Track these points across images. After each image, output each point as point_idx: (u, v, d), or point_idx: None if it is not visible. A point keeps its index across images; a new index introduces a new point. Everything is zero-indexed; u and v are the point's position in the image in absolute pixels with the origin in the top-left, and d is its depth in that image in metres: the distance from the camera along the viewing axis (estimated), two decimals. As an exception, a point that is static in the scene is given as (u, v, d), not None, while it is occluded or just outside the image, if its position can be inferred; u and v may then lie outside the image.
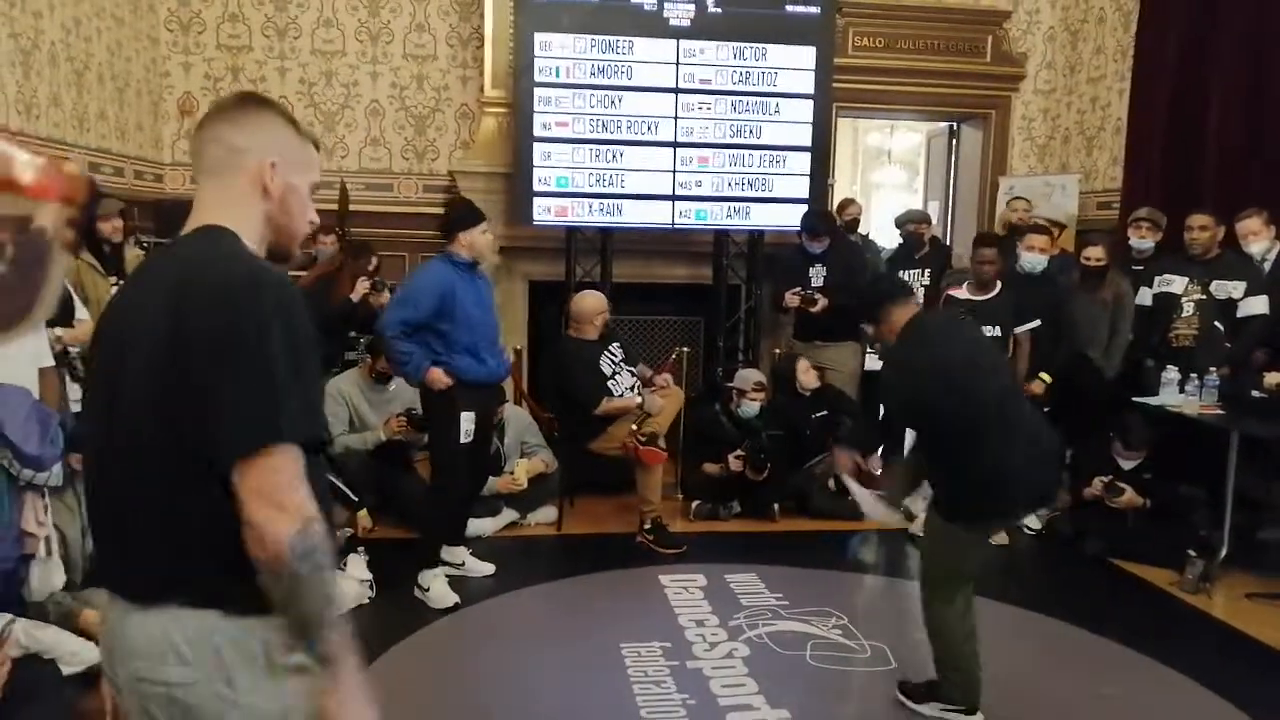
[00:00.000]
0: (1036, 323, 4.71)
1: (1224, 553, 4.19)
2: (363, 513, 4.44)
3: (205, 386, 1.15)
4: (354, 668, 1.23)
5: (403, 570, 3.84)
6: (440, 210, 5.93)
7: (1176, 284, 4.72)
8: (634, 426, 4.48)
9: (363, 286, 4.80)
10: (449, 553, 4.00)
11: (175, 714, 1.22)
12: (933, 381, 2.78)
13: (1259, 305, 4.50)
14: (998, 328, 4.55)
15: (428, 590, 3.78)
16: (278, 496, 1.15)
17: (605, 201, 5.62)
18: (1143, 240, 5.06)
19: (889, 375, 3.06)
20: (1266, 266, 4.58)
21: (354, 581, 3.70)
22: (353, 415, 4.63)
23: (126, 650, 1.24)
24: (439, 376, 3.74)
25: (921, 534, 3.14)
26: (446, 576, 3.89)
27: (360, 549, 3.95)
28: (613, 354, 4.69)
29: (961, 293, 4.73)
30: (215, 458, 1.15)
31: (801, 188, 5.81)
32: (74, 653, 2.68)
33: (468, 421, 3.80)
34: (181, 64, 5.94)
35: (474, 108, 6.15)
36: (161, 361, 1.17)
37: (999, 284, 4.67)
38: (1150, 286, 4.84)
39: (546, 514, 4.80)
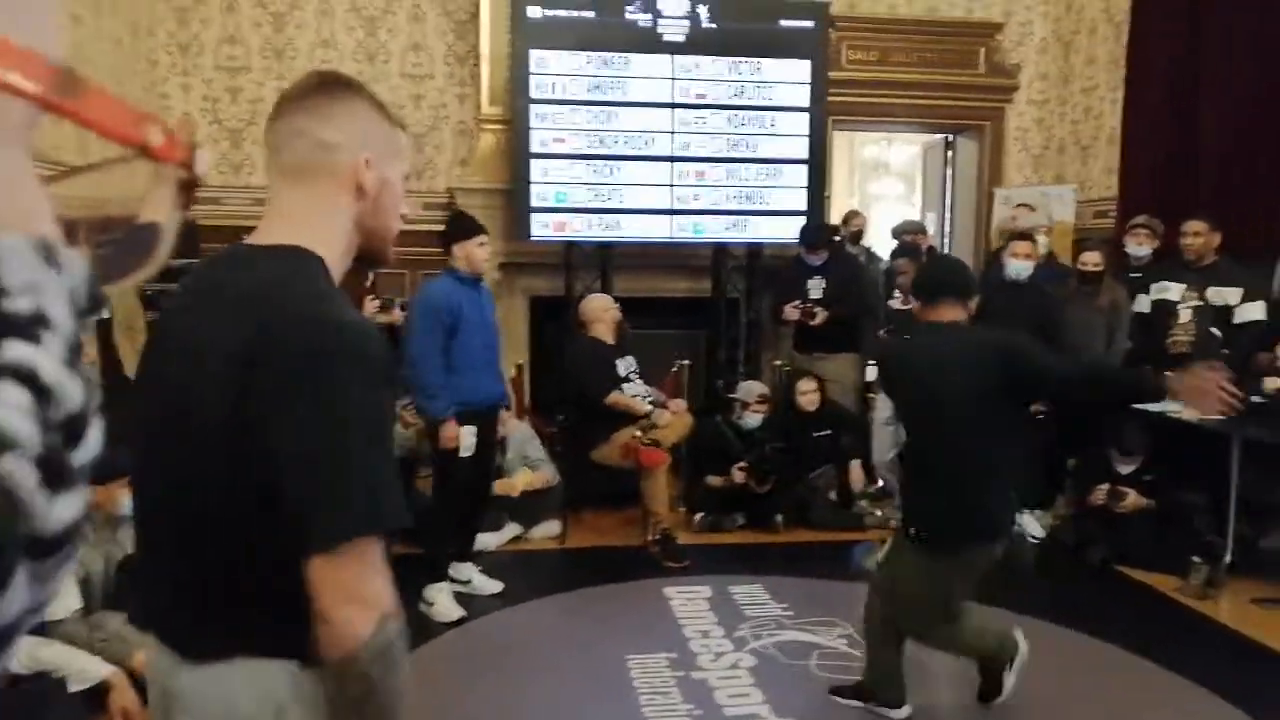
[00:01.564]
0: None
1: (1228, 558, 4.19)
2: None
3: (283, 453, 1.00)
4: None
5: (408, 586, 3.82)
6: (439, 227, 5.98)
7: (1173, 291, 4.74)
8: (638, 432, 4.50)
9: (371, 305, 4.82)
10: (456, 569, 4.00)
11: None
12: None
13: (1256, 311, 4.52)
14: None
15: (433, 605, 3.77)
16: (358, 589, 1.01)
17: (603, 216, 5.65)
18: (1140, 248, 5.09)
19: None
20: None
21: None
22: None
23: (179, 705, 1.12)
24: (452, 435, 3.74)
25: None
26: (454, 593, 3.88)
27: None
28: (629, 361, 4.73)
29: (896, 302, 4.80)
30: (295, 538, 1.01)
31: (799, 200, 5.84)
32: (82, 669, 2.68)
33: (469, 435, 3.81)
34: (180, 85, 5.98)
35: (472, 125, 6.19)
36: (233, 402, 1.02)
37: None
38: (1148, 294, 4.87)
39: (550, 528, 4.80)
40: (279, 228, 1.14)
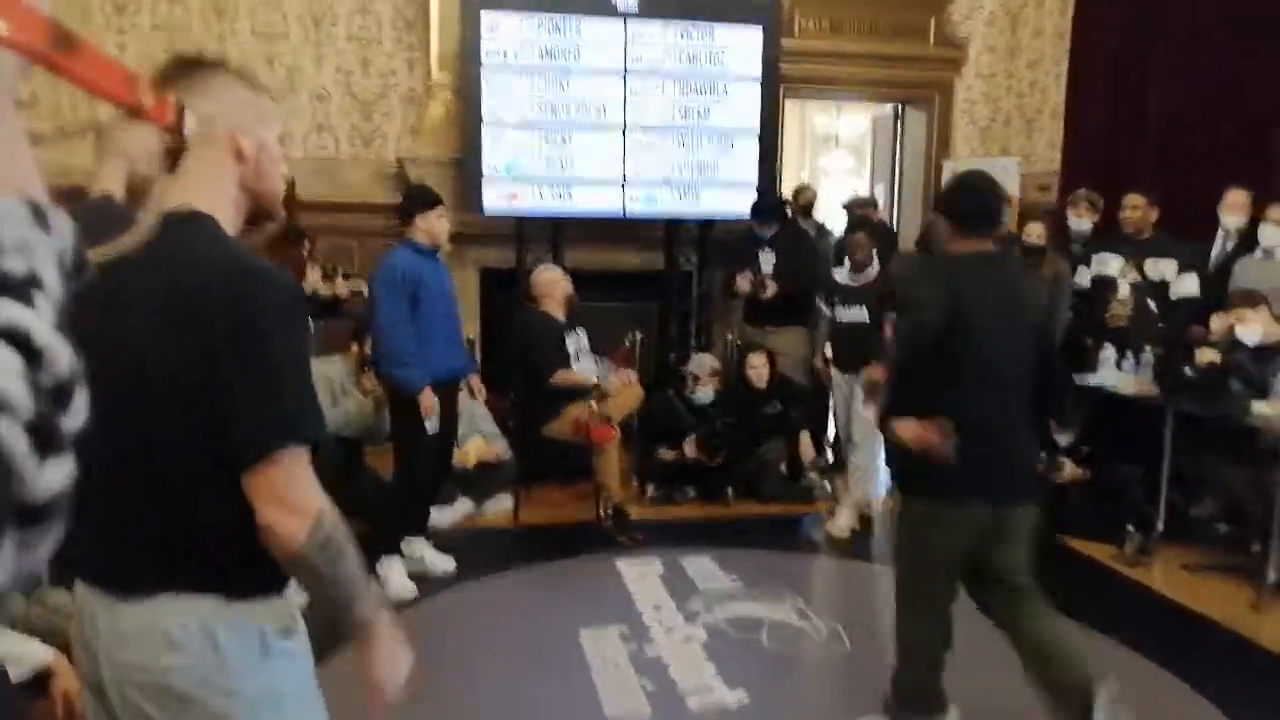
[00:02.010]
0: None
1: (1160, 527, 4.35)
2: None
3: (215, 389, 1.16)
4: (389, 626, 1.30)
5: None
6: (389, 199, 5.89)
7: (1113, 265, 4.86)
8: (591, 404, 4.51)
9: (314, 274, 4.73)
10: (408, 545, 3.98)
11: (169, 703, 1.22)
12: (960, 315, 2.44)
13: (1191, 285, 4.66)
14: (864, 309, 4.63)
15: (385, 582, 3.76)
16: (289, 498, 1.18)
17: (556, 188, 5.59)
18: (1081, 220, 5.19)
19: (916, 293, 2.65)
20: (1231, 243, 4.72)
21: None
22: (333, 397, 4.53)
23: (116, 643, 1.23)
24: (430, 404, 3.72)
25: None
26: (406, 570, 3.87)
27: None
28: (578, 337, 4.72)
29: (841, 274, 4.82)
30: (229, 460, 1.17)
31: (750, 172, 5.84)
32: (20, 656, 2.62)
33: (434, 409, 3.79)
34: (116, 44, 5.75)
35: (421, 92, 6.06)
36: (175, 363, 1.17)
37: (875, 267, 4.73)
38: (1089, 266, 4.98)
39: (502, 504, 4.80)
40: (173, 197, 1.25)
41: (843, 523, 4.63)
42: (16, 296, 0.27)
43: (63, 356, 0.29)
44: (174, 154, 1.07)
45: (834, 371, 4.86)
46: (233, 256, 1.23)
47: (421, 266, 3.77)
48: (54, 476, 0.28)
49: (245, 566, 1.22)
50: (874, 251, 4.77)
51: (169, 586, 1.21)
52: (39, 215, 0.30)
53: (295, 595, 1.34)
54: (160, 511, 1.21)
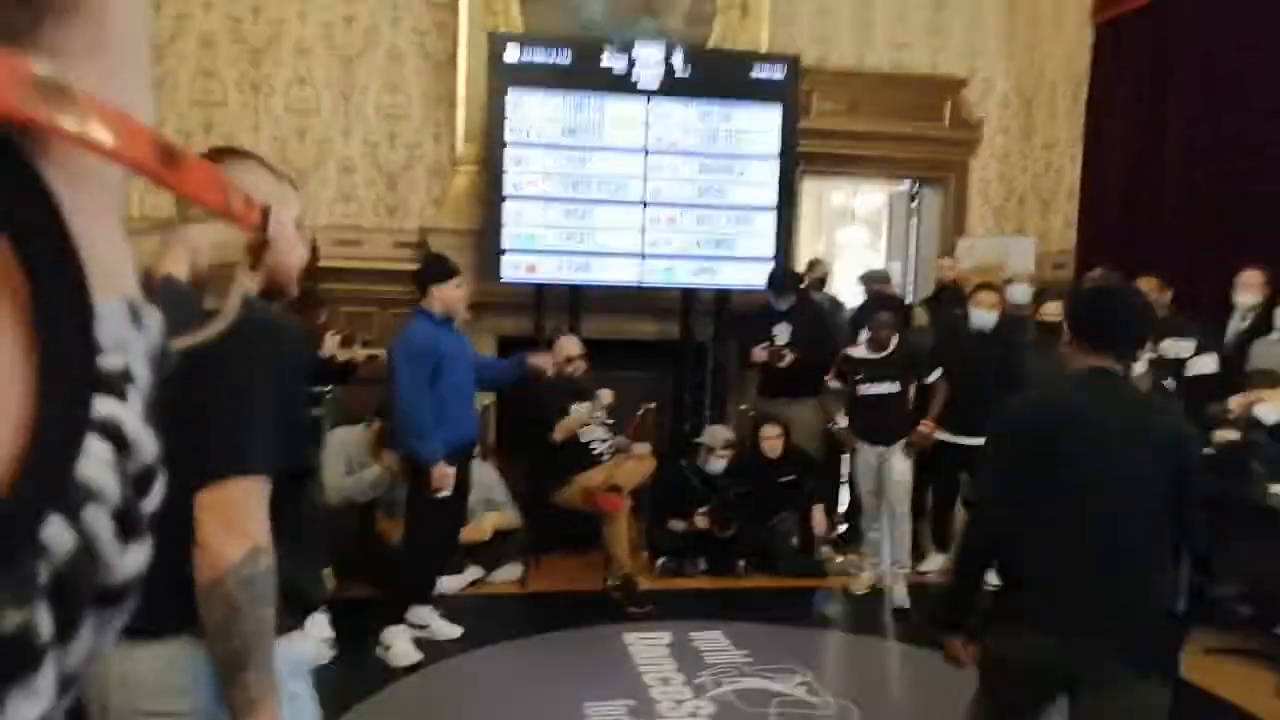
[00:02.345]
0: (939, 371, 4.82)
1: (1181, 608, 4.24)
2: (327, 571, 4.39)
3: (189, 416, 1.19)
4: (276, 714, 1.22)
5: (366, 630, 3.80)
6: (410, 266, 6.01)
7: (1129, 344, 4.85)
8: (599, 475, 4.52)
9: (332, 341, 4.80)
10: (415, 613, 3.97)
11: None
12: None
13: (1209, 364, 4.64)
14: (897, 383, 4.74)
15: (390, 648, 3.74)
16: (233, 521, 1.18)
17: (574, 258, 5.69)
18: (1097, 300, 5.20)
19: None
20: (1246, 322, 4.73)
21: (315, 640, 3.65)
22: (350, 465, 4.56)
23: (129, 684, 1.23)
24: (445, 476, 3.75)
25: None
26: (411, 638, 3.85)
27: (323, 607, 3.90)
28: (588, 407, 4.76)
29: (859, 351, 4.86)
30: (187, 486, 1.19)
31: (767, 246, 5.92)
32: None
33: (449, 477, 3.80)
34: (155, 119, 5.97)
35: (446, 165, 6.23)
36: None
37: (894, 343, 4.79)
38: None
39: (511, 571, 4.78)
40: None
41: (863, 579, 4.74)
42: (112, 392, 0.29)
43: (148, 446, 0.31)
44: (258, 250, 1.12)
45: (858, 441, 4.84)
46: (256, 313, 1.28)
47: (439, 336, 3.83)
48: (134, 560, 0.30)
49: None
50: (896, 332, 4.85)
51: (183, 630, 1.22)
52: (135, 313, 0.32)
53: (311, 635, 1.35)
54: (170, 551, 1.21)
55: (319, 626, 3.78)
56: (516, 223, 5.61)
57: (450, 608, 4.19)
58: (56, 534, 0.26)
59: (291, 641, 1.35)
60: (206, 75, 6.03)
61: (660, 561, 4.96)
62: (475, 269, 5.74)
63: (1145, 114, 5.65)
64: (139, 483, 0.30)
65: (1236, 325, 4.81)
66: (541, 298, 5.77)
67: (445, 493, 3.79)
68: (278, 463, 1.25)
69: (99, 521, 0.28)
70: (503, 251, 5.57)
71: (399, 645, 3.75)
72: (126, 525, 0.29)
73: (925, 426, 4.76)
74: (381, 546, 4.41)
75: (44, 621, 0.26)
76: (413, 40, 6.20)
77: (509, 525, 4.83)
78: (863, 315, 5.89)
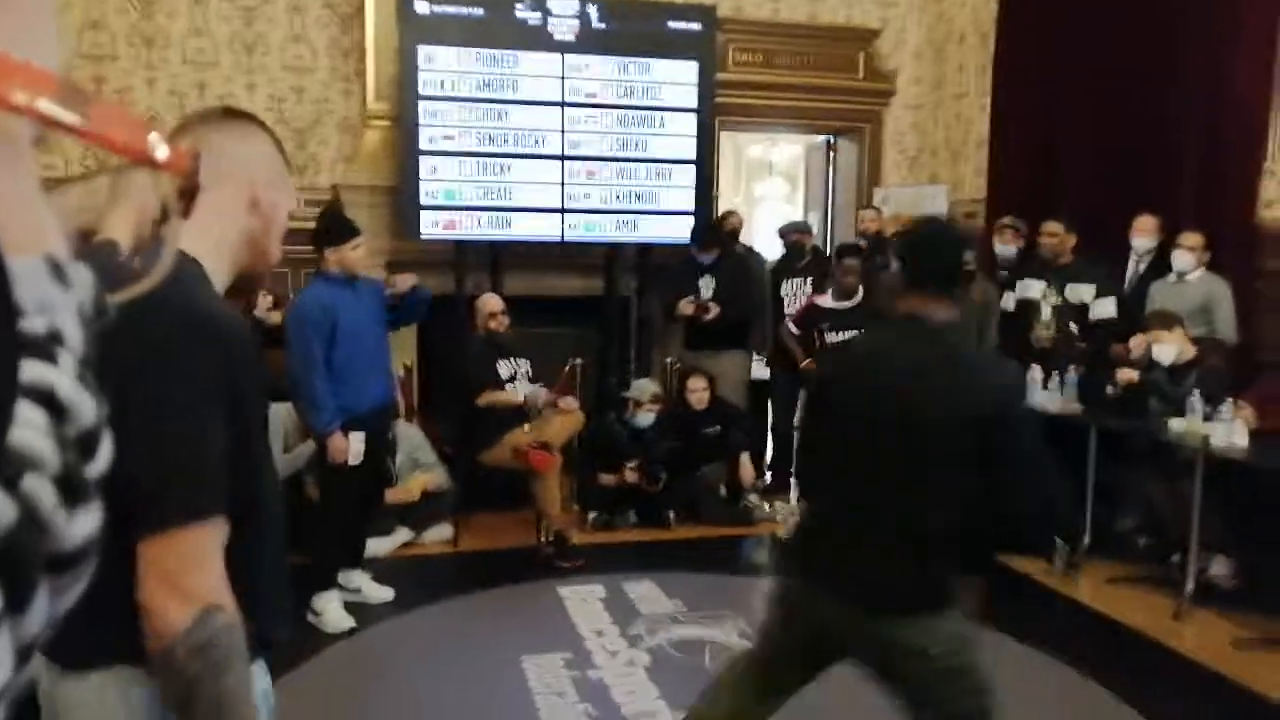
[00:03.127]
0: None
1: (1087, 541, 4.49)
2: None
3: (128, 444, 1.02)
4: None
5: (296, 596, 3.74)
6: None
7: (1035, 289, 5.05)
8: (526, 428, 4.51)
9: (265, 302, 4.66)
10: (345, 577, 3.92)
11: None
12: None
13: (1109, 307, 4.86)
14: (857, 331, 4.78)
15: (321, 615, 3.70)
16: (179, 579, 1.00)
17: (494, 214, 5.61)
18: (1006, 247, 5.38)
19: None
20: (1143, 265, 4.93)
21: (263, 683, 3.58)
22: (286, 441, 4.43)
23: (62, 714, 1.13)
24: (340, 447, 3.65)
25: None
26: (343, 602, 3.81)
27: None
28: (516, 364, 4.72)
29: (825, 300, 4.94)
30: (122, 527, 0.98)
31: (688, 200, 5.93)
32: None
33: (357, 441, 3.72)
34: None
35: (357, 121, 6.04)
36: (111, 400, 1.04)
37: (861, 292, 4.87)
38: (1014, 291, 5.16)
39: (442, 532, 4.76)
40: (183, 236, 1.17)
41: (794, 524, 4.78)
42: (40, 355, 0.28)
43: (86, 407, 0.30)
44: (188, 195, 0.96)
45: None
46: (184, 300, 1.07)
47: (335, 298, 3.69)
48: (83, 525, 0.30)
49: None
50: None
51: (115, 659, 1.09)
52: (58, 271, 0.31)
53: (259, 673, 1.20)
54: (102, 576, 1.05)
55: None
56: (433, 178, 5.49)
57: (381, 570, 4.16)
58: None
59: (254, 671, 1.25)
60: (94, 28, 5.69)
61: (591, 516, 5.00)
62: (392, 226, 5.62)
63: (1048, 66, 5.81)
64: (82, 446, 0.29)
65: (1134, 268, 5.03)
66: (462, 255, 5.69)
67: (353, 461, 3.71)
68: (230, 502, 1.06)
69: (40, 489, 0.27)
70: (422, 208, 5.45)
71: (331, 611, 3.71)
72: (71, 491, 0.29)
73: None
74: (310, 513, 4.32)
75: None
76: (316, -11, 5.95)
77: (437, 486, 4.79)
78: (783, 267, 5.98)
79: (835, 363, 2.10)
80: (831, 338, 4.83)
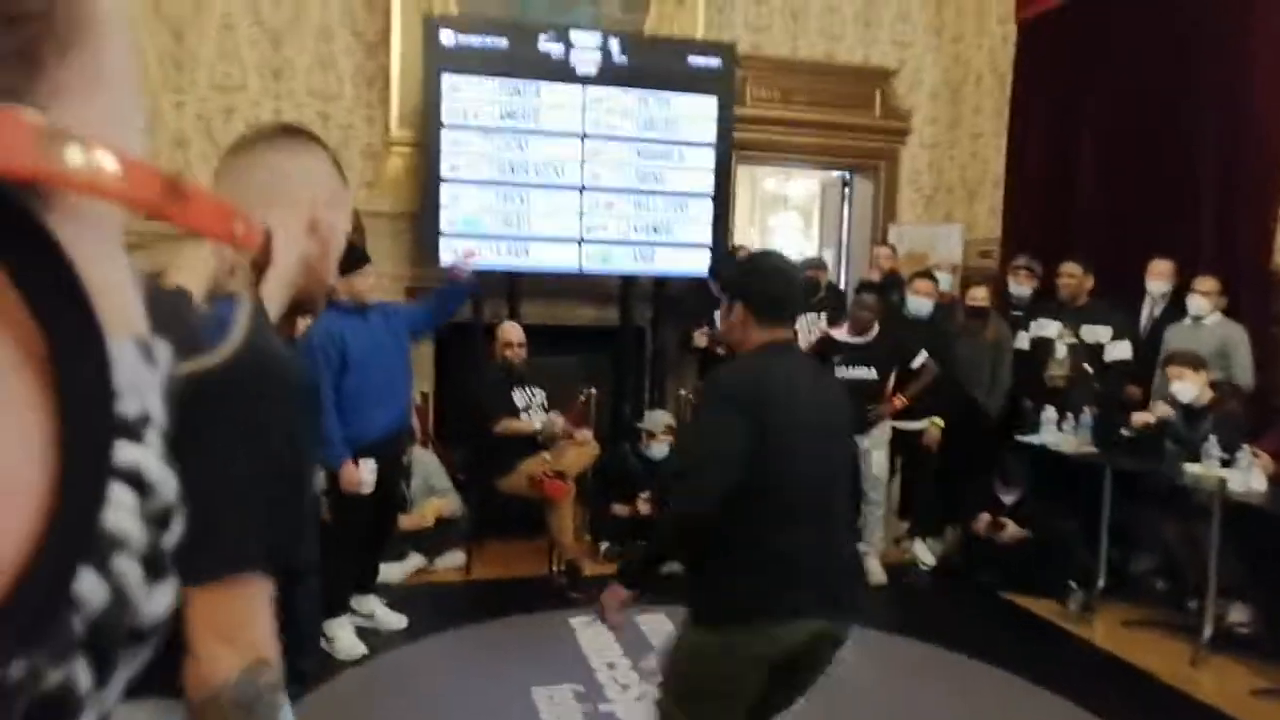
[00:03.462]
0: (924, 354, 4.91)
1: (1101, 583, 4.47)
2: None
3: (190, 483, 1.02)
4: None
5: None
6: (344, 250, 5.85)
7: (1050, 329, 5.06)
8: (545, 457, 4.52)
9: (303, 324, 4.67)
10: (359, 602, 3.92)
11: None
12: (769, 421, 1.99)
13: (1124, 350, 4.87)
14: (874, 368, 4.79)
15: (334, 641, 3.69)
16: (233, 630, 0.98)
17: (512, 243, 5.65)
18: (1021, 287, 5.41)
19: (710, 393, 2.26)
20: (1158, 309, 4.95)
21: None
22: None
23: None
24: (352, 478, 3.64)
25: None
26: (355, 628, 3.80)
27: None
28: (531, 393, 4.73)
29: (840, 334, 4.94)
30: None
31: (704, 233, 5.97)
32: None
33: (368, 470, 3.71)
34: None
35: (380, 147, 6.11)
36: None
37: (876, 328, 4.86)
38: (1028, 331, 5.17)
39: (454, 559, 4.75)
40: None
41: (876, 570, 4.78)
42: (130, 437, 0.29)
43: (169, 486, 0.31)
44: (259, 269, 0.94)
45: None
46: (249, 342, 1.06)
47: (345, 327, 3.67)
48: (161, 599, 0.30)
49: None
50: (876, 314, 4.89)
51: (154, 690, 1.02)
52: (146, 350, 0.31)
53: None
54: None
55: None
56: (454, 206, 5.54)
57: (393, 596, 4.15)
58: (89, 587, 0.26)
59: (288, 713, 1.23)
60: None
61: (604, 546, 4.99)
62: (411, 253, 5.67)
63: (1064, 108, 5.87)
64: (159, 521, 0.30)
65: (1149, 312, 5.05)
66: (480, 283, 5.71)
67: (365, 490, 3.69)
68: (272, 555, 1.02)
69: (127, 568, 0.28)
70: (441, 235, 5.49)
71: (343, 638, 3.70)
72: (152, 567, 0.30)
73: (897, 400, 4.83)
74: (324, 538, 4.33)
75: (82, 674, 0.26)
76: (343, 17, 6.04)
77: (451, 512, 4.79)
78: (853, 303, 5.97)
79: (758, 391, 2.02)
80: (842, 371, 4.81)
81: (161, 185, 0.29)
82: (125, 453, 0.28)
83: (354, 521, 3.79)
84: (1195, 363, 4.26)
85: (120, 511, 0.28)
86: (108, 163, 0.26)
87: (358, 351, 3.68)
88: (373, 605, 3.98)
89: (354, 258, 3.76)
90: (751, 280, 2.16)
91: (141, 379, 0.30)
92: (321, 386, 3.59)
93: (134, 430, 0.29)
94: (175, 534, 0.32)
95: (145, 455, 0.29)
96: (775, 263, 2.29)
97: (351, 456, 3.67)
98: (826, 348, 4.91)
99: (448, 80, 5.46)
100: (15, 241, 0.24)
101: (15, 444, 0.25)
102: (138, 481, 0.29)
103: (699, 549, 2.08)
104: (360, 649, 3.69)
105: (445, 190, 5.51)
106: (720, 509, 1.97)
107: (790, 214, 9.99)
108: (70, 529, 0.25)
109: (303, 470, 1.10)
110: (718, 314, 5.42)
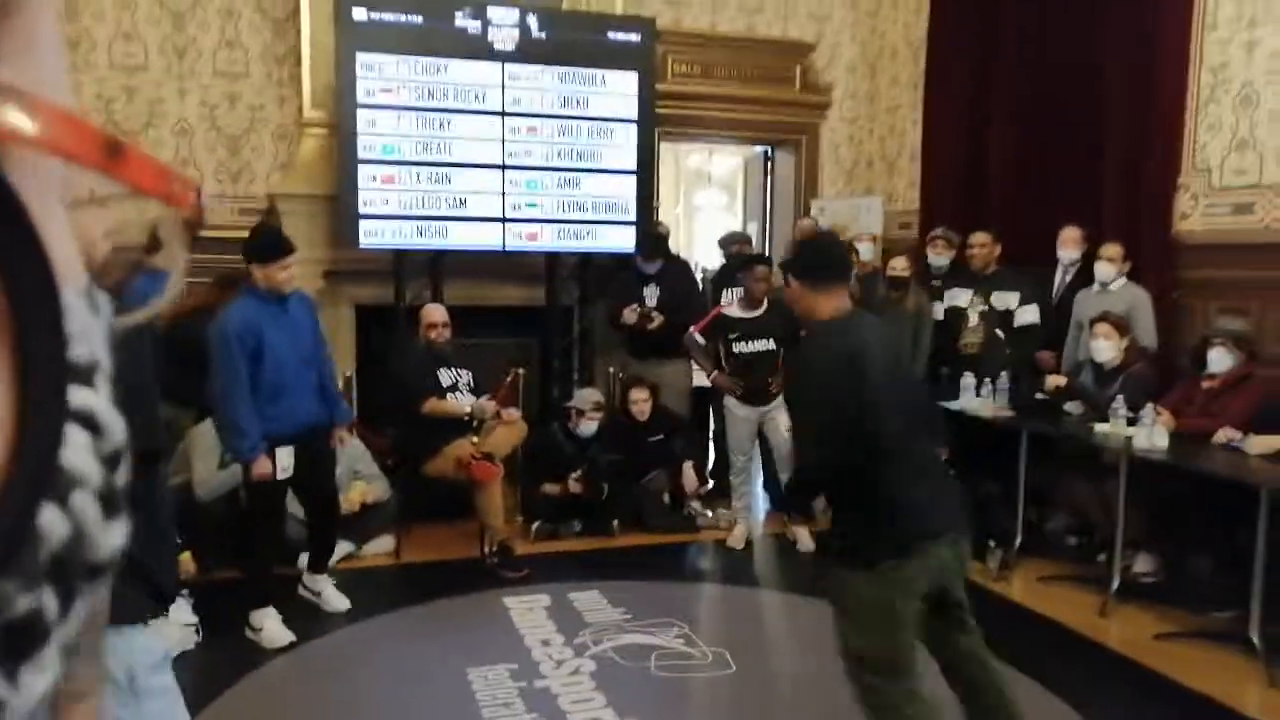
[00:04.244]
0: None
1: (1019, 542, 4.63)
2: (185, 555, 4.19)
3: None
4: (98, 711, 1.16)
5: (236, 613, 3.67)
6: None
7: (962, 297, 5.21)
8: (473, 440, 4.49)
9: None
10: (310, 580, 3.95)
11: None
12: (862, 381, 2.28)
13: (1031, 314, 5.04)
14: (770, 340, 4.84)
15: (260, 630, 3.63)
16: None
17: (434, 223, 5.57)
18: (939, 257, 5.54)
19: (811, 369, 2.50)
20: (1069, 276, 5.11)
21: (179, 626, 3.50)
22: (223, 458, 4.30)
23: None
24: (265, 472, 3.56)
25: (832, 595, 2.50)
26: (301, 610, 3.80)
27: (185, 592, 3.74)
28: (457, 374, 4.70)
29: (733, 310, 4.97)
30: None
31: (628, 210, 5.97)
32: None
33: (285, 456, 3.65)
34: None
35: (293, 129, 5.95)
36: None
37: (766, 301, 4.91)
38: (942, 301, 5.31)
39: (383, 544, 4.70)
40: None
41: (739, 534, 4.91)
42: (83, 381, 0.30)
43: (117, 427, 0.32)
44: (193, 228, 0.97)
45: (733, 402, 4.95)
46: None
47: (261, 316, 3.56)
48: (115, 535, 0.32)
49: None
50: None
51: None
52: (91, 299, 0.33)
53: (173, 621, 1.29)
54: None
55: (181, 612, 3.63)
56: (372, 187, 5.43)
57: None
58: (51, 521, 0.28)
59: (151, 630, 1.28)
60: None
61: (535, 525, 4.99)
62: (330, 235, 5.55)
63: (976, 80, 6.00)
64: (112, 462, 0.32)
65: (1061, 279, 5.22)
66: (401, 264, 5.63)
67: (284, 474, 3.64)
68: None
69: (86, 504, 0.30)
70: (361, 217, 5.39)
71: (269, 627, 3.64)
72: (108, 504, 0.31)
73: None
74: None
75: (49, 602, 0.28)
76: (249, -6, 5.85)
77: (378, 497, 4.73)
78: (723, 277, 6.06)
79: (854, 339, 2.40)
80: (740, 347, 4.86)
81: (103, 142, 0.30)
82: (78, 395, 0.30)
83: (270, 510, 3.75)
84: (1122, 326, 4.41)
85: (77, 451, 0.29)
86: (53, 119, 0.27)
87: (274, 342, 3.58)
88: (323, 585, 3.98)
89: (273, 247, 3.66)
90: (799, 258, 2.64)
91: (89, 327, 0.32)
92: (238, 374, 3.51)
93: (85, 375, 0.31)
94: (123, 475, 0.33)
95: (96, 399, 0.31)
96: (819, 240, 2.82)
97: (268, 450, 3.59)
98: (720, 324, 4.92)
99: (361, 59, 5.34)
100: None
101: None
102: (92, 423, 0.30)
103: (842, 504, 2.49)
104: (288, 637, 3.64)
105: (363, 171, 5.39)
106: (853, 463, 2.30)
107: (714, 190, 10.04)
108: (35, 464, 0.27)
109: (140, 367, 1.19)
110: (645, 291, 5.47)
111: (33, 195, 0.28)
